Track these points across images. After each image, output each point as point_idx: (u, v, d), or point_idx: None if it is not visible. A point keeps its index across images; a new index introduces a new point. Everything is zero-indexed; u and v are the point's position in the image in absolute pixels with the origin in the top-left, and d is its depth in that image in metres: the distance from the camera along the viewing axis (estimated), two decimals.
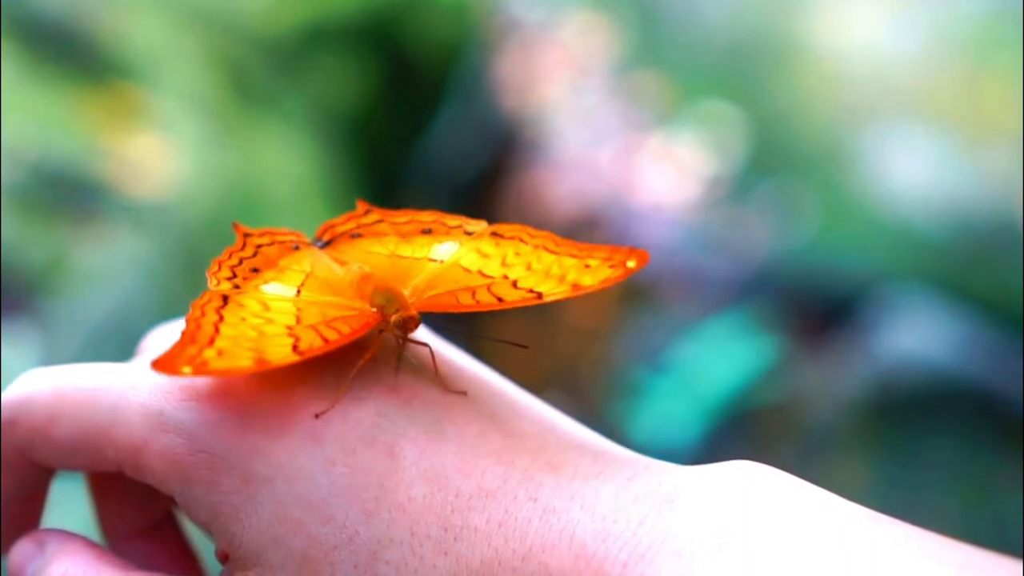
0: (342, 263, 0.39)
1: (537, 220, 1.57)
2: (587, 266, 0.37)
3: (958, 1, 1.73)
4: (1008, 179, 1.63)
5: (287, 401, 0.34)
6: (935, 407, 1.42)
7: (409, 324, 0.36)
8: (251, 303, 0.36)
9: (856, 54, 1.77)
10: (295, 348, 0.34)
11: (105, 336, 1.27)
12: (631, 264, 0.36)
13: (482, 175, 1.66)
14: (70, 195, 1.37)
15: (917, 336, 1.49)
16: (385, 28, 1.64)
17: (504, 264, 0.38)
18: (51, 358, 1.22)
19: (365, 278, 0.38)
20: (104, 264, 1.34)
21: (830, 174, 1.72)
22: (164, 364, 0.33)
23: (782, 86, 1.77)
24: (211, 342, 0.34)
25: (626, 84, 1.69)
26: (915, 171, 1.67)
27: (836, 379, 1.49)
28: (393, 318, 0.36)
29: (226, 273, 0.37)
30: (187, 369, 0.33)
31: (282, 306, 0.36)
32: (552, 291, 0.36)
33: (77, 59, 1.44)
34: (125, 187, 1.38)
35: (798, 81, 1.77)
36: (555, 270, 0.37)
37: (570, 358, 1.52)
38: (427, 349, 0.36)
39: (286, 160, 1.52)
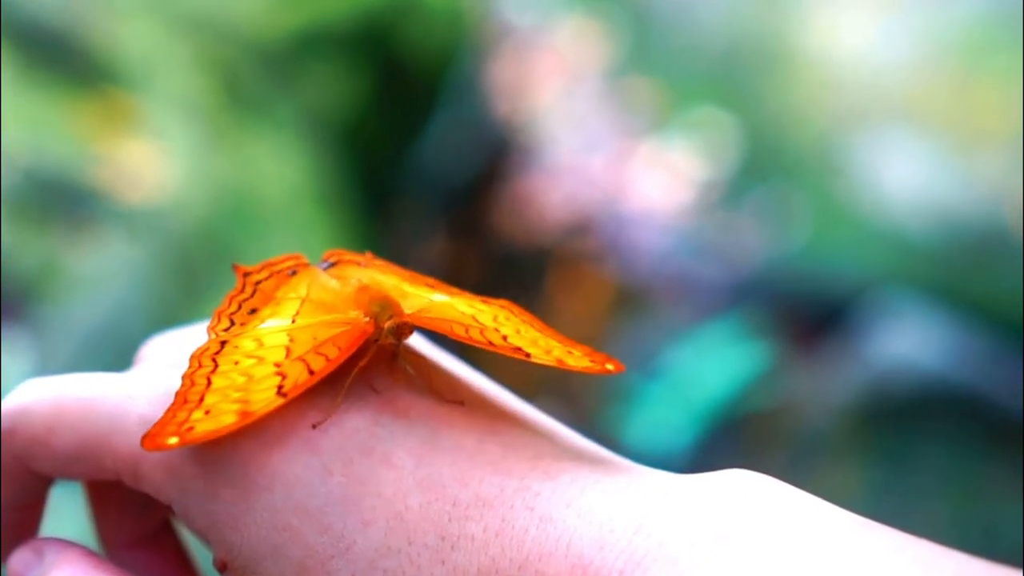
0: (342, 279, 0.39)
1: (530, 226, 1.58)
2: (570, 352, 0.37)
3: (949, 7, 1.73)
4: (999, 184, 1.63)
5: (284, 412, 0.34)
6: (927, 412, 1.42)
7: (403, 330, 0.36)
8: (246, 343, 0.36)
9: (848, 60, 1.77)
10: (279, 390, 0.34)
11: (99, 342, 1.27)
12: (609, 367, 0.37)
13: (475, 180, 1.66)
14: (63, 201, 1.37)
15: (909, 341, 1.49)
16: (378, 33, 1.64)
17: (495, 320, 0.38)
18: (45, 364, 1.22)
19: (363, 289, 0.38)
20: (97, 270, 1.34)
21: (822, 180, 1.73)
22: (152, 438, 0.33)
23: (774, 92, 1.78)
24: (201, 400, 0.34)
25: (619, 89, 1.69)
26: (907, 176, 1.67)
27: (828, 384, 1.49)
28: (387, 324, 0.36)
29: (224, 324, 0.37)
30: (173, 440, 0.33)
31: (275, 339, 0.36)
32: (539, 357, 0.37)
33: (70, 65, 1.44)
34: (118, 193, 1.38)
35: (790, 87, 1.78)
36: (541, 343, 0.38)
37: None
38: (423, 359, 0.37)
39: (279, 166, 1.52)
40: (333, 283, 0.39)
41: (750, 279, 1.61)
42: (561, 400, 1.43)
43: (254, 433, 0.33)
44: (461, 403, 0.36)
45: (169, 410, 0.34)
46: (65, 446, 0.35)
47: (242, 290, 0.39)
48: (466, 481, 0.33)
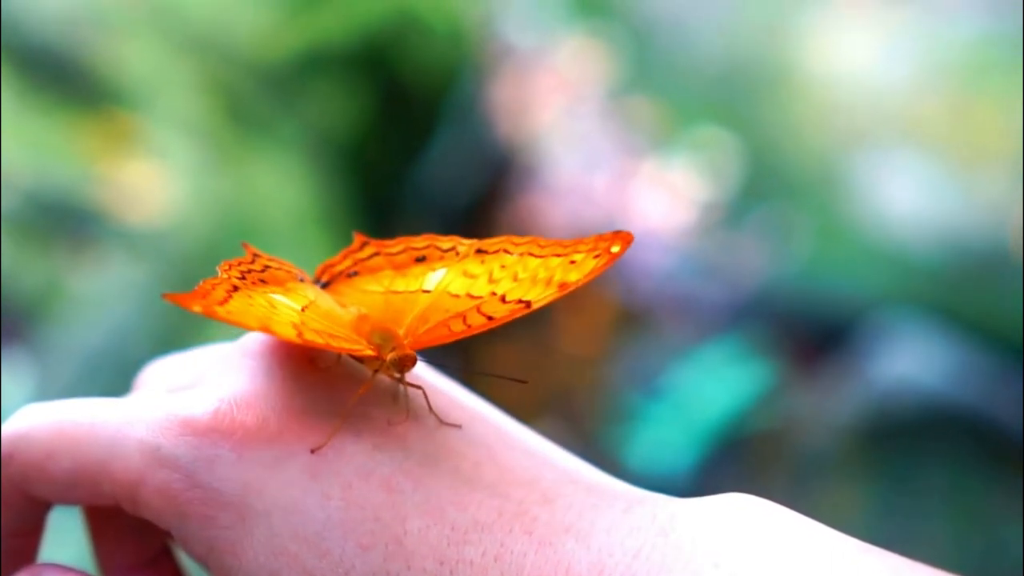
0: (342, 304, 0.39)
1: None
2: (572, 262, 0.37)
3: (949, 28, 1.74)
4: (1000, 204, 1.63)
5: (282, 436, 0.34)
6: (929, 432, 1.42)
7: (406, 363, 0.36)
8: (260, 299, 0.36)
9: (848, 80, 1.78)
10: (299, 335, 0.34)
11: (100, 363, 1.27)
12: (615, 249, 0.37)
13: (477, 200, 1.66)
14: (65, 222, 1.37)
15: (911, 361, 1.49)
16: (380, 54, 1.64)
17: (491, 280, 0.38)
18: (45, 385, 1.22)
19: (362, 318, 0.38)
20: (99, 291, 1.34)
21: (823, 200, 1.73)
22: (178, 297, 0.33)
23: (775, 112, 1.78)
24: (223, 303, 0.35)
25: (620, 110, 1.70)
26: (908, 196, 1.67)
27: (830, 404, 1.49)
28: (389, 357, 0.36)
29: (236, 273, 0.37)
30: (198, 308, 0.33)
31: (288, 311, 0.36)
32: (540, 296, 0.36)
33: (72, 86, 1.44)
34: (120, 214, 1.38)
35: (791, 107, 1.78)
36: (541, 274, 0.37)
37: (565, 385, 1.52)
38: (421, 382, 0.37)
39: (281, 186, 1.53)
40: (336, 307, 0.39)
41: (752, 299, 1.61)
42: (563, 421, 1.43)
43: (252, 457, 0.33)
44: (459, 427, 0.36)
45: (188, 294, 0.34)
46: (64, 471, 0.35)
47: (252, 262, 0.39)
48: (464, 505, 0.33)
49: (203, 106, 1.52)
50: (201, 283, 0.35)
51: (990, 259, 1.61)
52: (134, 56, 1.49)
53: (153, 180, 1.42)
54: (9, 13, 1.41)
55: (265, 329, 0.34)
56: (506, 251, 0.39)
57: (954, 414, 1.43)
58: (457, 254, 0.40)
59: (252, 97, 1.59)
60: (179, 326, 1.31)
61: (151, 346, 1.26)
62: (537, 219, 1.60)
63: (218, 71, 1.56)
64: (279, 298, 0.37)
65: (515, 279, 0.37)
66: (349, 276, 0.41)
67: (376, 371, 0.36)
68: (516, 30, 1.73)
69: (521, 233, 0.39)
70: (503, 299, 0.37)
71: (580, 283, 0.36)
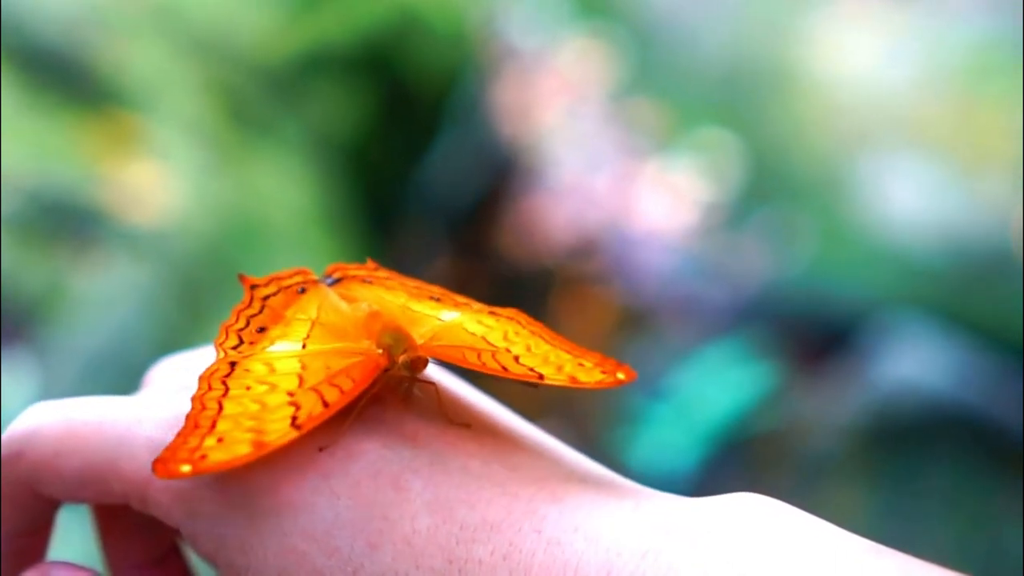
0: (350, 299, 0.39)
1: (535, 246, 1.58)
2: (581, 364, 0.37)
3: (952, 30, 1.74)
4: (1003, 206, 1.63)
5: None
6: (932, 434, 1.42)
7: (417, 364, 0.36)
8: (257, 367, 0.36)
9: (852, 82, 1.78)
10: (294, 422, 0.34)
11: (102, 364, 1.28)
12: (620, 376, 0.37)
13: (479, 202, 1.67)
14: (67, 223, 1.37)
15: (914, 363, 1.49)
16: (382, 55, 1.64)
17: (505, 339, 0.38)
18: (48, 385, 1.22)
19: (373, 315, 0.38)
20: (101, 292, 1.34)
21: (826, 201, 1.73)
22: (164, 464, 0.33)
23: (778, 114, 1.78)
24: (213, 426, 0.34)
25: (623, 111, 1.70)
26: (911, 198, 1.67)
27: (833, 406, 1.49)
28: (401, 358, 0.36)
29: (232, 341, 0.37)
30: (186, 468, 0.32)
31: (287, 365, 0.36)
32: (552, 377, 0.36)
33: (75, 87, 1.45)
34: (123, 215, 1.38)
35: (794, 109, 1.78)
36: (552, 359, 0.37)
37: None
38: (430, 381, 0.37)
39: (283, 187, 1.53)
40: (343, 305, 0.39)
41: (755, 300, 1.61)
42: (566, 421, 1.43)
43: (261, 456, 0.33)
44: (468, 426, 0.36)
45: (180, 435, 0.33)
46: (72, 470, 0.35)
47: (249, 304, 0.39)
48: (473, 504, 0.33)
49: (206, 107, 1.52)
50: (191, 404, 0.34)
51: (993, 261, 1.61)
52: (137, 57, 1.49)
53: (155, 181, 1.42)
54: (12, 14, 1.41)
55: (258, 446, 0.33)
56: (518, 323, 0.39)
57: (957, 416, 1.43)
58: (471, 308, 0.40)
59: (255, 98, 1.59)
60: (181, 327, 1.31)
61: (153, 346, 1.26)
62: (539, 220, 1.60)
63: (221, 72, 1.56)
64: (278, 348, 0.37)
65: (528, 349, 0.37)
66: (364, 282, 0.41)
67: (387, 370, 0.36)
68: (518, 31, 1.74)
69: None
70: (517, 359, 0.37)
71: (587, 387, 0.37)
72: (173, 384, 0.38)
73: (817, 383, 1.55)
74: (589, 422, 1.51)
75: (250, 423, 0.34)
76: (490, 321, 0.39)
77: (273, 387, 0.35)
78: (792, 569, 0.29)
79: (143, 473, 0.34)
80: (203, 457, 0.33)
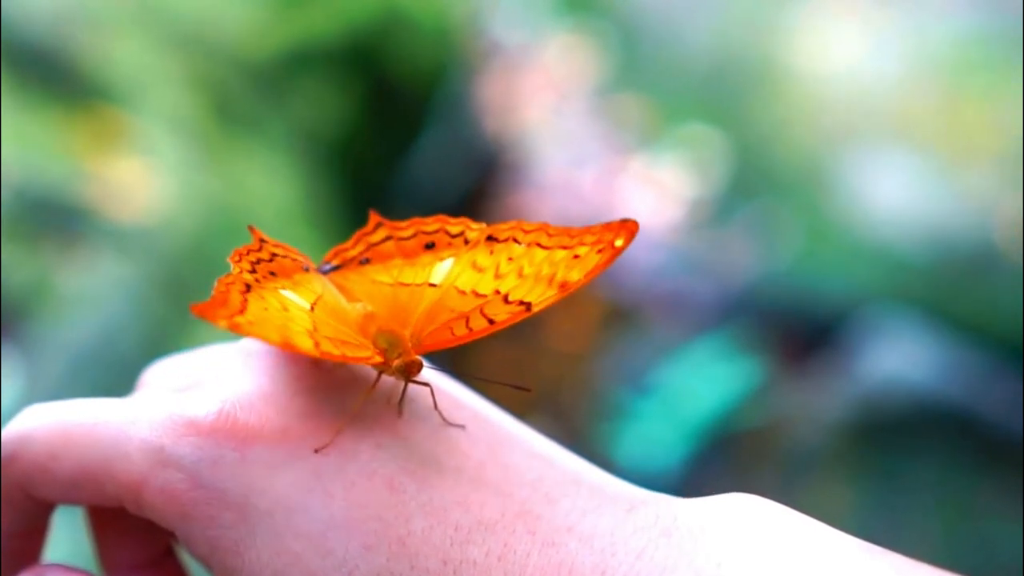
0: (348, 295, 0.39)
1: None
2: (576, 256, 0.37)
3: (937, 25, 1.74)
4: (988, 201, 1.64)
5: (286, 436, 0.34)
6: (917, 429, 1.42)
7: (412, 369, 0.36)
8: (272, 300, 0.36)
9: (836, 78, 1.78)
10: (316, 346, 0.34)
11: (89, 360, 1.27)
12: (619, 243, 0.37)
13: (465, 197, 1.67)
14: (53, 219, 1.37)
15: (899, 358, 1.49)
16: (368, 51, 1.64)
17: (497, 276, 0.38)
18: (34, 382, 1.22)
19: (369, 317, 0.38)
20: (87, 288, 1.33)
21: (811, 197, 1.73)
22: (203, 309, 0.33)
23: (763, 109, 1.78)
24: (242, 312, 0.34)
25: (608, 107, 1.70)
26: (895, 193, 1.68)
27: (819, 401, 1.49)
28: (395, 363, 0.36)
29: (247, 265, 0.37)
30: (223, 323, 0.33)
31: (299, 314, 0.36)
32: (540, 298, 0.36)
33: (61, 83, 1.44)
34: (108, 211, 1.38)
35: (779, 104, 1.78)
36: (545, 270, 0.37)
37: (554, 381, 1.52)
38: (425, 383, 0.37)
39: (269, 183, 1.52)
40: (343, 300, 0.39)
41: (740, 296, 1.61)
42: (552, 418, 1.43)
43: (255, 458, 0.33)
44: (462, 427, 0.36)
45: (208, 303, 0.34)
46: (67, 472, 0.35)
47: (260, 250, 0.39)
48: (468, 505, 0.33)
49: (191, 103, 1.51)
50: (216, 283, 0.35)
51: (978, 256, 1.61)
52: (122, 53, 1.48)
53: (141, 177, 1.42)
54: None
55: (285, 343, 0.34)
56: (515, 240, 0.39)
57: (942, 411, 1.43)
58: (466, 241, 0.40)
59: (240, 94, 1.58)
60: (168, 323, 1.31)
61: (140, 343, 1.26)
62: (525, 216, 1.60)
63: (206, 68, 1.56)
64: (290, 295, 0.37)
65: (520, 275, 0.38)
66: (360, 263, 0.41)
67: (381, 372, 0.36)
68: (504, 27, 1.74)
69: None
70: (506, 299, 0.37)
71: (580, 283, 0.37)
72: (167, 385, 0.38)
73: (803, 378, 1.55)
74: (575, 417, 1.51)
75: (276, 328, 0.34)
76: (483, 259, 0.39)
77: (291, 319, 0.36)
78: (786, 570, 0.29)
79: (137, 475, 0.34)
80: (238, 325, 0.33)
